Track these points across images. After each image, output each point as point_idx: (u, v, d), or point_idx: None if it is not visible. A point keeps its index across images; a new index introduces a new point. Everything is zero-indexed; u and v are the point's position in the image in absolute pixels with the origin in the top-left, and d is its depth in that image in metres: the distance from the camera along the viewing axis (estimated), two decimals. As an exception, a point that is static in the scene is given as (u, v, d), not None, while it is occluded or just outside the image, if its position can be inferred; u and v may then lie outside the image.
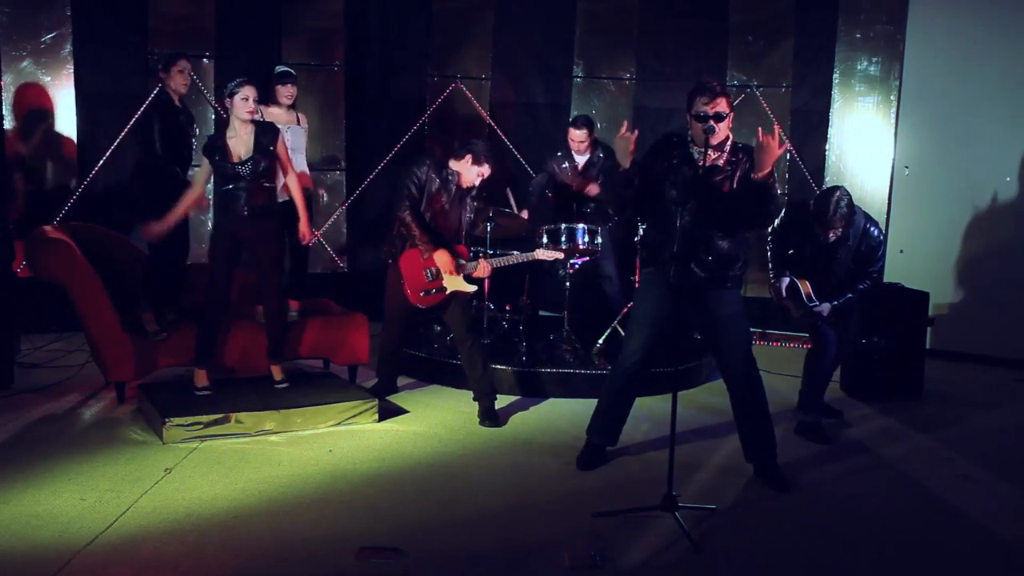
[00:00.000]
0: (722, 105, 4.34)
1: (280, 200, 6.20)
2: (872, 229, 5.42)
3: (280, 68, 6.46)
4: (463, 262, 5.43)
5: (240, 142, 5.27)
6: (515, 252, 5.78)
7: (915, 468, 5.04)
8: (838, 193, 5.26)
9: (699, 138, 4.39)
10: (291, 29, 7.83)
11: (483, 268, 5.46)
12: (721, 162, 4.45)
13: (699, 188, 4.35)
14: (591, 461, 4.83)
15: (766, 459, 4.69)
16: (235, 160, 5.25)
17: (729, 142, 4.47)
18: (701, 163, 4.32)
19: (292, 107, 6.41)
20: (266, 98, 6.14)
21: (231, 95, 5.24)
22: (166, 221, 5.36)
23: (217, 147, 5.28)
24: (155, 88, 5.99)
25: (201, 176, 5.45)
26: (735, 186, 4.43)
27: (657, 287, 4.57)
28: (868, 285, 5.47)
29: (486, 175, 5.47)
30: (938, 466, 5.10)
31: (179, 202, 5.40)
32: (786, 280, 5.39)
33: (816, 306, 5.37)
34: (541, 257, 5.86)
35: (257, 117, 5.46)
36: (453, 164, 5.46)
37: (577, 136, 6.63)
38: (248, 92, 5.22)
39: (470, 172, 5.43)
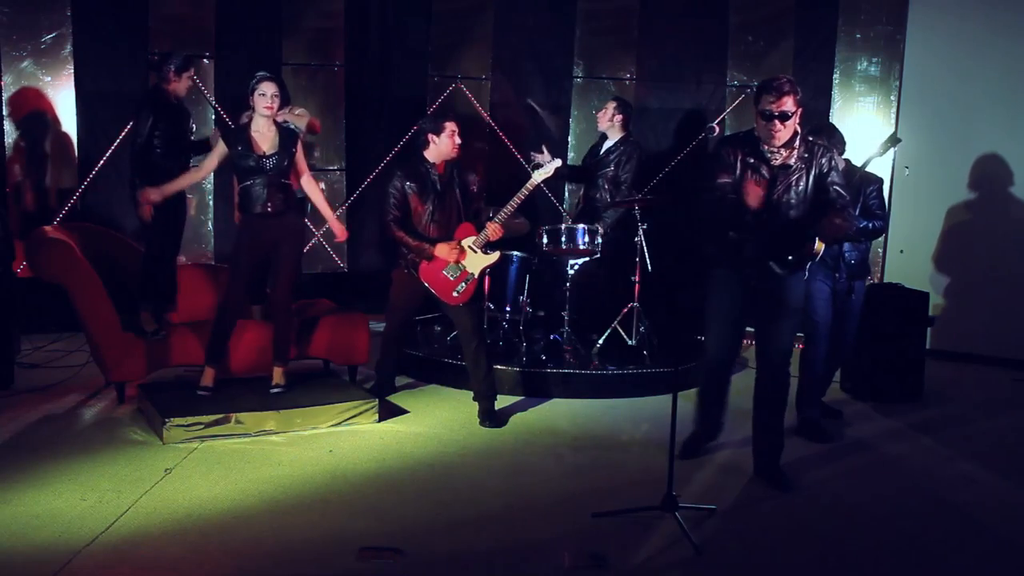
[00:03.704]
0: (788, 103, 4.31)
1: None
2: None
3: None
4: (473, 239, 5.41)
5: (264, 138, 5.27)
6: (514, 198, 5.47)
7: (915, 468, 5.05)
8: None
9: (765, 136, 4.40)
10: (291, 29, 7.82)
11: (495, 231, 5.41)
12: (792, 160, 4.44)
13: (774, 190, 4.39)
14: (693, 450, 4.98)
15: (771, 457, 4.69)
16: (259, 152, 5.24)
17: (798, 138, 4.45)
18: (774, 162, 4.38)
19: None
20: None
21: (251, 92, 5.24)
22: (163, 190, 5.38)
23: (241, 139, 5.24)
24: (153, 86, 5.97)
25: (210, 161, 5.39)
26: (810, 184, 4.44)
27: (731, 288, 4.60)
28: (880, 225, 5.45)
29: (456, 131, 5.40)
30: (938, 466, 5.10)
31: (181, 177, 5.42)
32: None
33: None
34: (539, 180, 5.53)
35: (280, 117, 5.46)
36: (428, 154, 5.43)
37: (605, 106, 6.82)
38: (265, 88, 5.21)
39: (443, 145, 5.39)
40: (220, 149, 5.30)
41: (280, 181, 5.30)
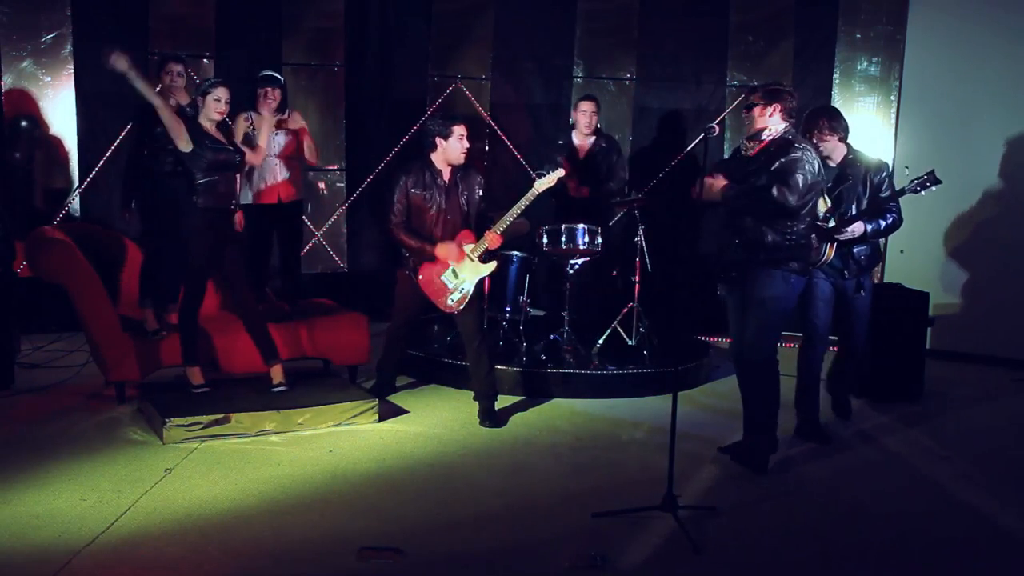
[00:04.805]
0: (754, 97, 4.70)
1: (272, 203, 6.23)
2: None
3: (263, 72, 6.40)
4: (471, 247, 5.34)
5: (218, 136, 5.27)
6: (514, 207, 5.30)
7: (915, 467, 5.05)
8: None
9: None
10: (291, 29, 7.82)
11: (493, 240, 5.33)
12: (751, 153, 4.70)
13: (734, 177, 4.67)
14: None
15: (747, 453, 4.88)
16: (230, 147, 5.25)
17: (767, 134, 4.68)
18: (743, 152, 4.76)
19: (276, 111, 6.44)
20: (252, 103, 6.10)
21: (204, 94, 5.20)
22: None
23: (205, 134, 5.17)
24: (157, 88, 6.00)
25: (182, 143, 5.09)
26: (764, 178, 4.59)
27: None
28: (894, 219, 5.47)
29: (465, 134, 5.32)
30: (938, 465, 5.10)
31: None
32: None
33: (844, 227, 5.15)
34: (541, 190, 5.33)
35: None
36: (435, 157, 5.36)
37: (587, 108, 6.78)
38: (221, 93, 5.19)
39: (452, 149, 5.30)
40: (184, 137, 5.08)
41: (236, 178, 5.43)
